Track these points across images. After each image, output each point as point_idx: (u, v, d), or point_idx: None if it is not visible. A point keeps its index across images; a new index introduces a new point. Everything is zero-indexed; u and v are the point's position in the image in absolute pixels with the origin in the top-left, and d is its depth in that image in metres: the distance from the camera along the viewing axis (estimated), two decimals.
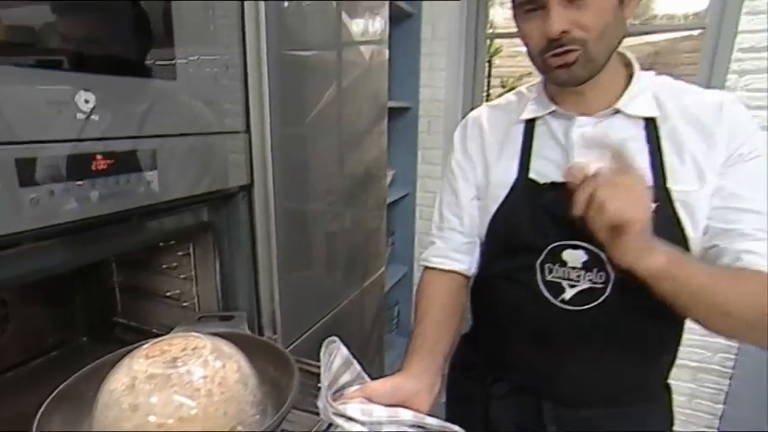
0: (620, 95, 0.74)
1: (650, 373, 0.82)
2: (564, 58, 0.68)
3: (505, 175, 0.81)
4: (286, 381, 0.64)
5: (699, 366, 1.92)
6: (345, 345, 0.69)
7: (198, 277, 1.02)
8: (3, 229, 0.54)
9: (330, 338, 0.69)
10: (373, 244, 1.63)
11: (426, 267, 0.92)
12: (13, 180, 0.54)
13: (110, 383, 0.56)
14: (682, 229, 0.71)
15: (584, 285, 0.75)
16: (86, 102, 0.61)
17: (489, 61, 3.79)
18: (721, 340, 1.86)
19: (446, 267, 0.89)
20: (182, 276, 1.03)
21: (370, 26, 1.40)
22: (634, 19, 2.95)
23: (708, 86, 1.73)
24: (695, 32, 2.53)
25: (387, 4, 1.50)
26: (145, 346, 0.60)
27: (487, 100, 2.92)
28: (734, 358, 1.85)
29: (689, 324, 1.99)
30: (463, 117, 0.94)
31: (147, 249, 1.02)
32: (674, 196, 0.70)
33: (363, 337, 1.63)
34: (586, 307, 0.74)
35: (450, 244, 0.89)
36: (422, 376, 0.74)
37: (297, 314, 1.15)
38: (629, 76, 0.76)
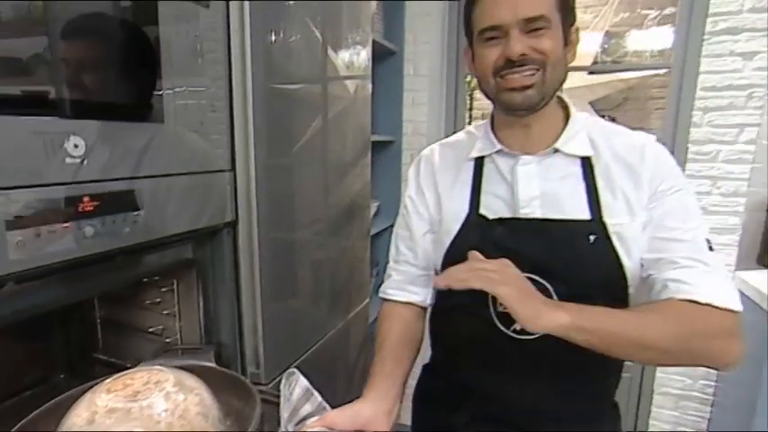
0: (559, 136, 0.80)
1: (598, 396, 0.86)
2: (522, 80, 0.74)
3: (457, 210, 0.86)
4: (248, 411, 0.65)
5: (681, 394, 1.93)
6: (306, 376, 0.72)
7: (181, 312, 1.02)
8: None
9: (290, 370, 0.72)
10: (358, 275, 1.64)
11: (384, 299, 0.96)
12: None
13: (70, 418, 0.56)
14: (618, 258, 0.76)
15: None
16: (76, 146, 0.63)
17: (471, 95, 3.89)
18: (702, 368, 1.88)
19: (402, 299, 0.93)
20: (165, 312, 1.03)
21: (354, 61, 1.44)
22: (607, 56, 3.09)
23: (676, 122, 1.83)
24: (662, 71, 2.66)
25: (370, 41, 1.55)
26: (108, 380, 0.60)
27: None
28: (714, 385, 1.88)
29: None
30: None
31: (130, 285, 1.02)
32: (610, 229, 0.76)
33: (348, 368, 1.63)
34: (535, 336, 0.78)
35: (406, 277, 0.94)
36: (380, 401, 0.77)
37: (281, 348, 1.15)
38: (567, 118, 0.82)
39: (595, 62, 2.98)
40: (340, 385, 1.46)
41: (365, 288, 1.73)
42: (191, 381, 0.63)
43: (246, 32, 0.93)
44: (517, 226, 0.80)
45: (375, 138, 1.84)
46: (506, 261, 0.70)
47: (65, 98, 0.64)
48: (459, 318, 0.87)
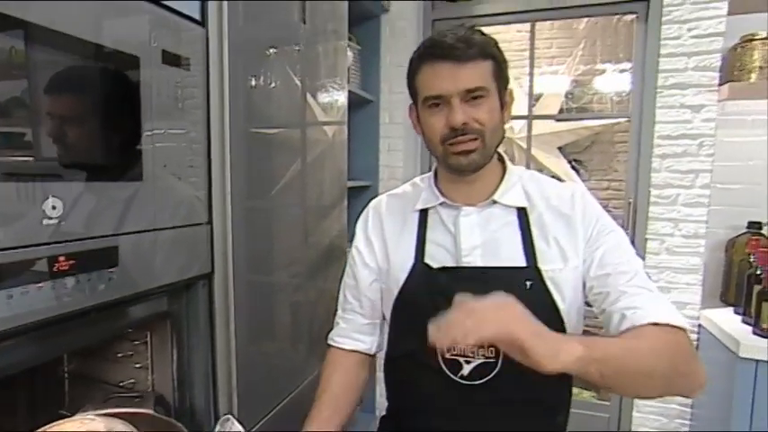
0: (497, 188, 0.87)
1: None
2: (466, 145, 0.80)
3: (404, 260, 0.89)
4: None
5: None
6: (283, 423, 0.73)
7: (154, 365, 1.01)
8: None
9: (225, 416, 0.75)
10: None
11: (330, 346, 0.99)
12: None
13: None
14: (554, 302, 0.81)
15: (479, 360, 0.82)
16: (54, 208, 0.65)
17: None
18: (676, 405, 1.91)
19: (348, 347, 0.97)
20: (137, 365, 1.01)
21: (332, 107, 1.49)
22: (574, 103, 3.23)
23: (638, 167, 1.92)
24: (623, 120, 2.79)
25: (346, 89, 1.61)
26: (39, 430, 0.61)
27: None
28: (689, 424, 1.90)
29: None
30: None
31: (103, 340, 1.01)
32: (545, 275, 0.81)
33: None
34: (482, 381, 0.81)
35: (352, 325, 0.98)
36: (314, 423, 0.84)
37: (257, 398, 1.13)
38: (504, 171, 0.89)
39: (561, 110, 3.12)
40: None
41: None
42: (122, 427, 0.65)
43: (225, 80, 0.96)
44: (460, 274, 0.84)
45: (353, 183, 1.88)
46: (505, 297, 0.64)
47: (43, 159, 0.66)
48: (409, 366, 0.89)
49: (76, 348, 1.00)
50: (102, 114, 0.75)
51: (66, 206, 0.67)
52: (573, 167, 3.15)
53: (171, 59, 0.86)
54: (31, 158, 0.64)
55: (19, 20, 0.60)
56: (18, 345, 0.65)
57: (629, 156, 2.00)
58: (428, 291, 0.85)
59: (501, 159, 0.91)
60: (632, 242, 1.93)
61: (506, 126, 0.88)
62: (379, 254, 0.95)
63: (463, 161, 0.81)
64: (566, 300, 0.81)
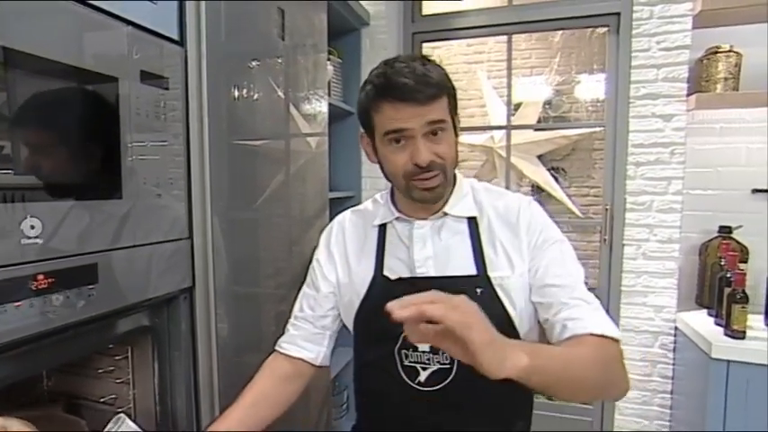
0: (447, 201, 0.89)
1: (518, 410, 0.91)
2: (430, 182, 0.82)
3: (365, 273, 0.93)
4: None
5: None
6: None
7: (135, 380, 1.01)
8: None
9: (118, 415, 0.80)
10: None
11: (275, 351, 1.00)
12: None
13: None
14: (504, 308, 0.84)
15: (435, 367, 0.84)
16: (32, 227, 0.66)
17: None
18: (655, 407, 1.94)
19: (292, 354, 0.98)
20: (118, 380, 1.01)
21: (314, 119, 1.51)
22: (553, 112, 3.29)
23: (614, 174, 1.97)
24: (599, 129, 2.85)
25: (327, 101, 1.62)
26: None
27: None
28: (668, 424, 1.93)
29: (627, 394, 2.02)
30: None
31: (83, 356, 1.01)
32: (494, 282, 0.84)
33: (311, 424, 1.60)
34: (439, 387, 0.84)
35: (302, 333, 0.99)
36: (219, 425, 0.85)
37: None
38: (453, 185, 0.91)
39: (540, 119, 3.17)
40: None
41: None
42: (17, 425, 0.69)
43: (204, 96, 0.98)
44: (415, 284, 0.85)
45: (335, 194, 1.90)
46: (465, 299, 0.62)
47: (23, 173, 0.67)
48: (371, 374, 0.93)
49: (56, 365, 1.00)
50: (81, 134, 0.77)
51: (45, 225, 0.68)
52: (552, 175, 3.21)
53: (149, 78, 0.87)
54: (10, 171, 0.65)
55: None
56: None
57: (605, 163, 2.05)
58: (386, 300, 0.86)
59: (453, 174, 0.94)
60: (610, 248, 1.98)
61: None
62: (339, 268, 0.97)
63: (428, 195, 0.84)
64: (516, 306, 0.84)
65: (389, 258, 0.92)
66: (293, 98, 1.36)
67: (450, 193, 0.90)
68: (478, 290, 0.83)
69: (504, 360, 0.60)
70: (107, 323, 0.84)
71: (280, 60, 1.28)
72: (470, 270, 0.85)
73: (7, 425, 0.65)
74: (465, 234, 0.88)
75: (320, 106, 1.56)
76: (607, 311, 2.04)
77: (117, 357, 1.01)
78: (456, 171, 0.93)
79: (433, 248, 0.88)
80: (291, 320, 1.02)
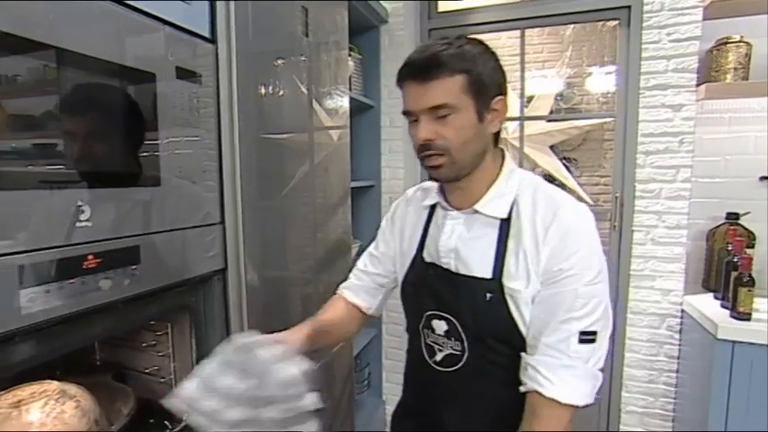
0: (482, 196, 0.82)
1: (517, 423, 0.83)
2: (432, 161, 0.77)
3: (411, 249, 0.93)
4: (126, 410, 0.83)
5: (645, 411, 1.96)
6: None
7: (175, 353, 1.04)
8: (2, 328, 0.59)
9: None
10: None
11: (336, 293, 1.04)
12: (14, 283, 0.59)
13: None
14: (511, 315, 0.78)
15: (448, 351, 0.84)
16: (83, 212, 0.68)
17: None
18: (661, 386, 1.92)
19: (349, 299, 1.02)
20: (160, 353, 1.05)
21: (336, 113, 1.52)
22: (564, 104, 3.23)
23: (623, 163, 1.92)
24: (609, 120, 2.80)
25: (348, 96, 1.63)
26: (1, 393, 0.71)
27: None
28: (673, 401, 1.91)
29: (634, 372, 2.08)
30: None
31: (129, 330, 1.04)
32: (506, 290, 0.77)
33: (335, 399, 1.63)
34: (452, 369, 0.83)
35: (360, 283, 1.03)
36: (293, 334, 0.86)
37: None
38: (496, 179, 0.82)
39: (552, 111, 3.12)
40: (326, 420, 1.47)
41: None
42: (74, 390, 0.76)
43: (234, 92, 0.99)
44: (438, 271, 0.85)
45: (356, 183, 1.91)
46: None
47: (73, 167, 0.69)
48: (410, 343, 0.95)
49: (105, 338, 1.04)
50: (123, 126, 0.79)
51: (94, 210, 0.70)
52: (564, 165, 3.16)
53: (184, 74, 0.89)
54: (62, 167, 0.68)
55: (49, 45, 0.63)
56: (54, 334, 0.68)
57: (615, 153, 2.01)
58: (419, 280, 0.89)
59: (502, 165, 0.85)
60: (619, 234, 1.95)
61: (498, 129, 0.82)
62: (398, 238, 0.98)
63: (434, 174, 0.80)
64: (523, 316, 0.77)
65: (430, 240, 0.89)
66: (316, 93, 1.37)
67: (488, 188, 0.82)
68: (488, 295, 0.78)
69: None
70: (149, 301, 0.87)
71: (303, 58, 1.28)
72: (487, 273, 0.79)
73: (66, 389, 0.68)
74: (493, 235, 0.80)
75: (342, 101, 1.56)
76: (615, 295, 2.00)
77: (158, 333, 1.04)
78: (507, 166, 0.84)
79: (459, 242, 0.83)
80: (354, 270, 1.06)
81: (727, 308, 1.57)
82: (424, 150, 0.78)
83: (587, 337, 0.73)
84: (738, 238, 1.61)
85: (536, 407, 0.75)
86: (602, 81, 3.09)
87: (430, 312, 0.86)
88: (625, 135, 1.92)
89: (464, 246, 0.82)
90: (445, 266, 0.84)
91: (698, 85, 1.75)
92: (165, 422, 0.96)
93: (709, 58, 1.76)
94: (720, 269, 1.67)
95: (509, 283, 0.77)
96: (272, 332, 1.12)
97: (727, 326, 1.47)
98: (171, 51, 0.85)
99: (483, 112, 0.77)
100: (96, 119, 0.74)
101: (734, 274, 1.54)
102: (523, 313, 0.77)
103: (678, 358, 1.88)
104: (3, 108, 0.61)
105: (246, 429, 0.69)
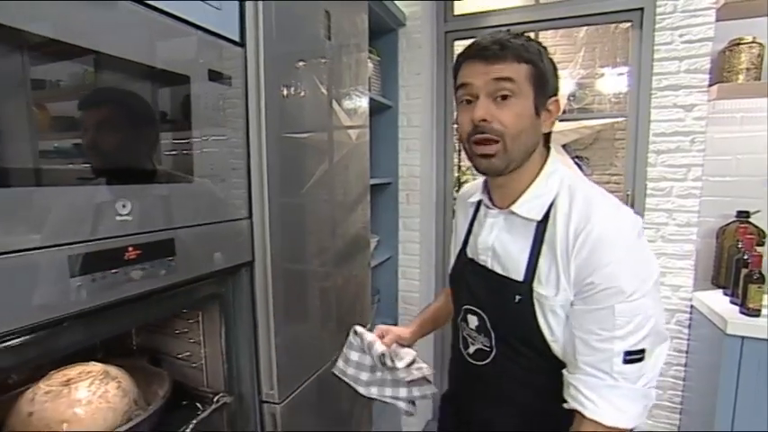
0: (520, 196, 0.78)
1: (547, 417, 0.78)
2: (485, 148, 0.73)
3: (458, 244, 0.93)
4: (162, 392, 0.88)
5: (653, 404, 1.94)
6: (315, 393, 0.83)
7: (205, 341, 1.06)
8: (55, 313, 0.61)
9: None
10: (360, 302, 1.67)
11: None
12: (64, 273, 0.62)
13: (23, 396, 0.73)
14: (536, 321, 0.74)
15: (478, 345, 0.84)
16: (123, 206, 0.70)
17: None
18: (669, 379, 1.90)
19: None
20: (191, 340, 1.07)
21: (355, 113, 1.52)
22: (576, 104, 3.19)
23: (635, 162, 1.90)
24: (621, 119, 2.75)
25: (368, 96, 1.64)
26: (53, 372, 0.76)
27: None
28: (681, 395, 1.89)
29: None
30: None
31: (163, 318, 1.07)
32: (535, 295, 0.73)
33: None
34: (481, 363, 0.83)
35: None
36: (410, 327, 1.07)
37: (293, 369, 1.18)
38: (534, 180, 0.78)
39: (565, 111, 3.09)
40: (345, 402, 1.48)
41: (367, 313, 1.76)
42: (114, 371, 0.81)
43: (262, 93, 1.00)
44: (476, 268, 0.84)
45: (375, 181, 1.92)
46: None
47: (109, 166, 0.71)
48: (452, 338, 0.95)
49: (142, 325, 1.07)
50: (160, 126, 0.81)
51: (134, 205, 0.72)
52: (577, 163, 3.13)
53: (215, 76, 0.90)
54: (99, 166, 0.69)
55: (89, 49, 0.65)
56: (97, 319, 0.71)
57: (626, 152, 1.98)
58: (460, 273, 0.90)
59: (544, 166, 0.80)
60: None
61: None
62: (456, 230, 1.01)
63: (483, 163, 0.75)
64: (549, 322, 0.73)
65: (472, 236, 0.88)
66: (336, 94, 1.38)
67: (527, 187, 0.77)
68: (517, 297, 0.75)
69: None
70: (182, 290, 0.89)
71: (324, 60, 1.29)
72: (519, 275, 0.75)
73: (109, 371, 0.71)
74: (529, 237, 0.75)
75: (361, 101, 1.57)
76: None
77: (190, 321, 1.07)
78: (553, 169, 0.78)
79: (497, 241, 0.80)
80: None
81: (736, 304, 1.54)
82: (476, 133, 0.73)
83: (633, 357, 0.66)
84: (749, 236, 1.58)
85: (579, 425, 0.70)
86: (613, 82, 3.05)
87: (466, 306, 0.85)
88: (637, 134, 1.90)
89: (501, 245, 0.80)
90: (482, 263, 0.83)
91: (710, 85, 1.71)
92: (197, 404, 0.99)
93: (722, 58, 1.72)
94: (730, 266, 1.64)
95: (539, 288, 0.73)
96: (295, 321, 1.15)
97: (737, 321, 1.45)
98: (203, 54, 0.87)
99: (540, 107, 0.74)
100: (135, 120, 0.76)
101: (744, 271, 1.51)
102: (549, 320, 0.73)
103: (686, 352, 1.86)
104: (47, 109, 0.63)
105: (374, 387, 1.06)
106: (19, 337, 0.59)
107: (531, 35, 2.26)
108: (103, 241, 0.67)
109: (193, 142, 0.86)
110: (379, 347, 0.99)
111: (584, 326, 0.69)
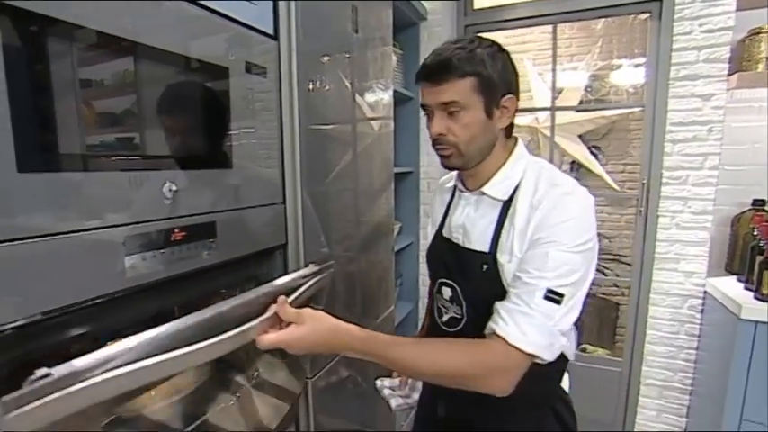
0: (489, 180, 0.83)
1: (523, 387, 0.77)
2: (443, 152, 0.81)
3: (436, 225, 0.98)
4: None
5: (664, 385, 1.91)
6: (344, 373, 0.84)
7: None
8: (112, 287, 0.63)
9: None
10: (384, 285, 1.67)
11: None
12: (120, 252, 0.63)
13: None
14: (502, 284, 0.78)
15: (451, 314, 0.89)
16: (170, 190, 0.71)
17: None
18: (680, 361, 1.86)
19: None
20: None
21: (378, 105, 1.51)
22: (592, 95, 3.10)
23: (651, 151, 1.84)
24: (637, 109, 2.66)
25: (392, 88, 1.63)
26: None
27: None
28: (692, 377, 1.85)
29: (655, 348, 2.02)
30: None
31: (205, 296, 1.09)
32: (499, 262, 0.79)
33: (378, 368, 1.65)
34: (453, 330, 0.88)
35: None
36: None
37: None
38: (503, 165, 0.83)
39: (581, 102, 3.00)
40: (370, 382, 1.50)
41: (391, 296, 1.77)
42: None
43: (294, 85, 1.01)
44: (450, 245, 0.90)
45: (397, 170, 1.91)
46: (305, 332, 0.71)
47: (149, 156, 0.72)
48: (428, 309, 1.03)
49: (184, 303, 1.09)
50: (201, 116, 0.81)
51: (180, 190, 0.73)
52: (592, 153, 3.05)
53: (252, 69, 0.91)
54: (138, 157, 0.70)
55: (131, 41, 0.65)
56: (148, 296, 0.73)
57: (643, 141, 1.92)
58: (437, 250, 0.95)
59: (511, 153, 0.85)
60: (645, 218, 1.88)
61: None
62: (433, 215, 1.04)
63: (445, 162, 0.83)
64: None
65: (448, 218, 0.94)
66: (359, 87, 1.36)
67: (495, 172, 0.83)
68: (484, 266, 0.80)
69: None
70: (222, 271, 0.90)
71: (347, 55, 1.28)
72: (485, 247, 0.81)
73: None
74: (495, 214, 0.82)
75: (385, 93, 1.56)
76: (639, 277, 1.94)
77: None
78: (517, 154, 0.84)
79: (467, 220, 0.86)
80: None
81: (750, 290, 1.50)
82: (435, 144, 0.81)
83: (552, 296, 0.71)
84: (764, 224, 1.52)
85: (488, 342, 0.74)
86: (630, 73, 2.94)
87: (441, 280, 0.91)
88: (653, 124, 1.83)
89: (470, 223, 0.86)
90: (455, 241, 0.88)
91: (729, 74, 1.64)
92: (237, 378, 1.01)
93: (741, 47, 1.65)
94: (745, 253, 1.59)
95: (500, 256, 0.79)
96: (324, 302, 1.16)
97: (751, 307, 1.40)
98: (240, 48, 0.87)
99: (492, 109, 0.78)
100: (177, 109, 0.77)
101: (759, 258, 1.46)
102: (508, 282, 0.79)
103: (698, 336, 1.82)
104: (92, 107, 0.64)
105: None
106: (76, 311, 0.61)
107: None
108: (153, 223, 0.69)
109: (233, 132, 0.86)
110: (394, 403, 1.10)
111: (521, 266, 0.75)
